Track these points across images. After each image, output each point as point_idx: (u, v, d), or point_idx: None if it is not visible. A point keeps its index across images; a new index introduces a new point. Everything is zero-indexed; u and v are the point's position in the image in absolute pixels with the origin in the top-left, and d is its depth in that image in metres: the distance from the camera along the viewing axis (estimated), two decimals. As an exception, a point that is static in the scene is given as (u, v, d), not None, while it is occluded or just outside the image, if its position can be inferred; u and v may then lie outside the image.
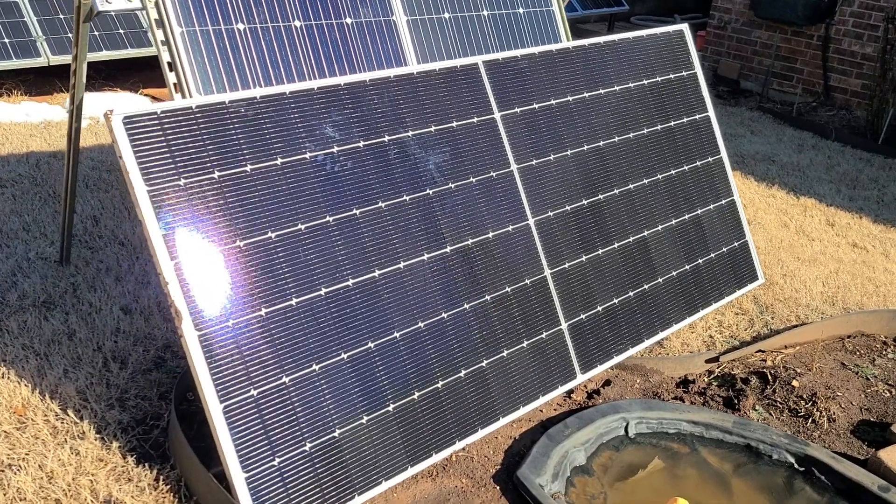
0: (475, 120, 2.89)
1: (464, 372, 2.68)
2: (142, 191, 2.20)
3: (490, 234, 2.84)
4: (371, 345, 2.50)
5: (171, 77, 2.38)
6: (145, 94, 6.26)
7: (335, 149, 2.55)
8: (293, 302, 2.39)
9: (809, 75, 7.71)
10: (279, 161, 2.44)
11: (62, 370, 2.76)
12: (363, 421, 2.44)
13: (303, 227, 2.44)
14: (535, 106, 3.07)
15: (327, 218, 2.49)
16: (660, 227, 3.35)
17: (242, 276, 2.31)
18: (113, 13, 2.43)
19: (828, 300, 3.78)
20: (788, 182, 5.42)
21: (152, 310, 3.17)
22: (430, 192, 2.73)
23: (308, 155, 2.49)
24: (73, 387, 2.67)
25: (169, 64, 2.38)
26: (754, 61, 8.15)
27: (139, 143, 2.22)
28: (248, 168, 2.38)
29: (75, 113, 2.68)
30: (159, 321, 3.11)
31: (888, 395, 3.06)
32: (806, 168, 5.75)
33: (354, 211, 2.55)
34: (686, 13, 11.00)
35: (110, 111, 2.17)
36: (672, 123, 3.52)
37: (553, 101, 3.13)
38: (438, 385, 2.62)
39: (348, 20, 2.72)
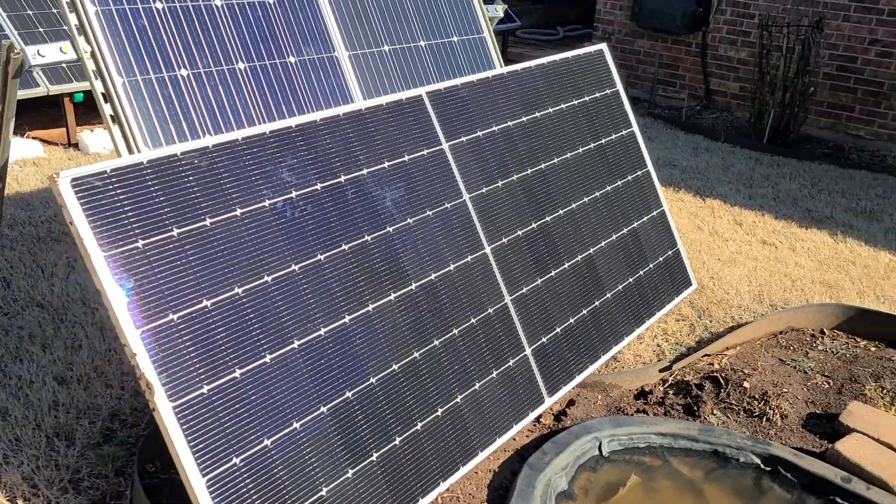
0: (425, 152, 2.86)
1: (440, 410, 2.63)
2: (98, 258, 2.02)
3: (451, 267, 2.81)
4: (349, 394, 2.41)
5: (115, 131, 2.21)
6: (33, 138, 5.81)
7: (293, 193, 2.45)
8: (267, 359, 2.27)
9: (691, 80, 8.15)
10: (238, 211, 2.31)
11: (1, 456, 2.49)
12: (349, 475, 2.35)
13: (269, 278, 2.32)
14: (480, 134, 3.07)
15: (293, 266, 2.39)
16: (603, 244, 3.43)
17: (212, 337, 2.17)
18: (44, 67, 2.23)
19: (755, 298, 3.99)
20: (692, 185, 5.70)
21: (90, 377, 2.92)
22: (391, 229, 2.67)
23: (267, 202, 2.38)
24: (17, 473, 2.41)
25: (112, 117, 2.21)
26: (639, 69, 8.53)
27: (90, 206, 2.05)
28: (208, 222, 2.24)
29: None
30: (100, 388, 2.87)
31: (827, 386, 3.26)
32: (704, 170, 6.07)
33: (319, 256, 2.45)
34: (568, 25, 11.39)
35: (56, 174, 1.99)
36: (603, 141, 3.62)
37: (495, 128, 3.14)
38: (418, 427, 2.56)
39: (292, 59, 2.62)
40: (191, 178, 2.24)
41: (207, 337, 2.16)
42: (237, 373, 2.20)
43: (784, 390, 3.18)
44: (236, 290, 2.25)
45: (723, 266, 4.35)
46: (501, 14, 3.48)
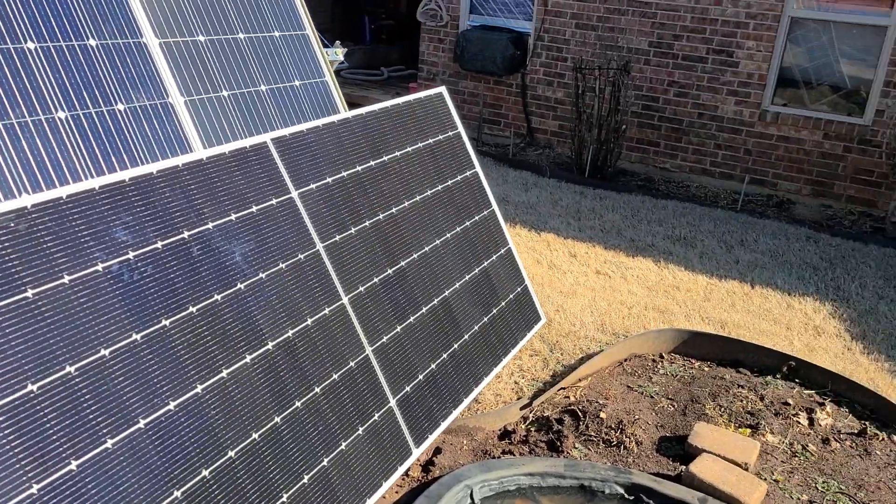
0: (274, 202, 2.70)
1: (307, 477, 2.45)
2: None
3: (309, 321, 2.66)
4: (206, 473, 2.18)
5: None
6: None
7: (131, 254, 2.20)
8: (109, 444, 1.99)
9: (514, 119, 8.52)
10: (67, 279, 2.03)
11: None
12: (211, 564, 2.11)
13: (106, 352, 2.06)
14: (329, 180, 2.96)
15: (134, 336, 2.13)
16: (458, 285, 3.42)
17: (41, 426, 1.87)
18: None
19: (598, 328, 4.16)
20: (527, 220, 5.90)
21: None
22: (242, 286, 2.48)
23: (100, 266, 2.12)
24: None
25: None
26: (465, 109, 8.79)
27: None
28: (30, 293, 1.95)
29: None
30: None
31: (672, 409, 3.43)
32: (535, 205, 6.32)
33: (164, 322, 2.21)
34: (391, 66, 11.55)
35: None
36: (450, 182, 3.63)
37: (344, 173, 3.04)
38: (283, 499, 2.36)
39: (120, 106, 2.37)
40: (6, 244, 1.94)
41: (35, 427, 1.86)
42: (73, 465, 1.91)
43: (636, 417, 3.30)
44: (68, 368, 1.96)
45: (565, 298, 4.50)
46: (342, 58, 3.41)
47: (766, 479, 3.00)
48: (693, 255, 5.43)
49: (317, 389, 2.60)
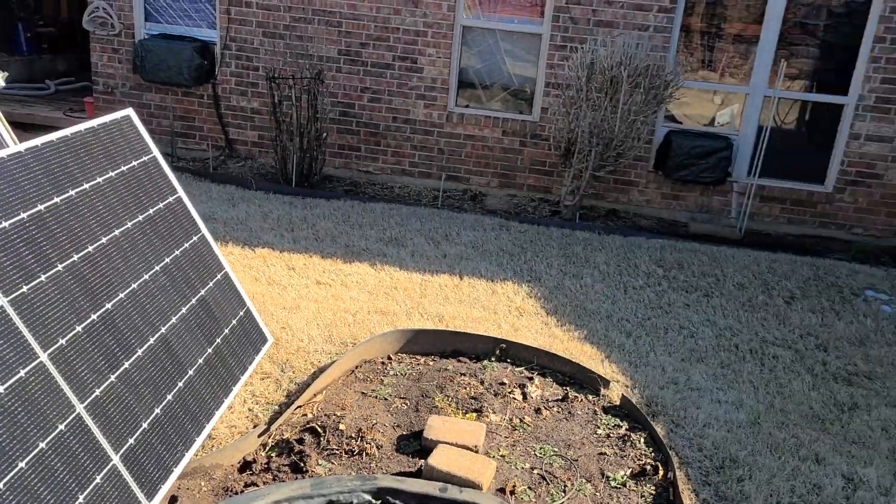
0: (-63, 257, 2.29)
1: (22, 568, 2.14)
2: None
3: (1, 389, 2.31)
4: None
5: None
6: None
7: None
8: None
9: (210, 131, 8.18)
10: None
11: None
12: None
13: None
14: (5, 224, 2.59)
15: None
16: (174, 319, 3.20)
17: None
18: None
19: (326, 339, 4.18)
20: (238, 237, 5.72)
21: None
22: None
23: None
24: None
25: None
26: (153, 123, 8.24)
27: None
28: None
29: None
30: None
31: (406, 407, 3.58)
32: (245, 220, 6.14)
33: None
34: (58, 77, 10.40)
35: None
36: (151, 211, 3.38)
37: (24, 214, 2.68)
38: None
39: None
40: None
41: None
42: None
43: (374, 422, 3.39)
44: None
45: (289, 314, 4.45)
46: (3, 83, 2.98)
47: (494, 457, 3.28)
48: (405, 254, 5.70)
49: (21, 464, 2.27)
